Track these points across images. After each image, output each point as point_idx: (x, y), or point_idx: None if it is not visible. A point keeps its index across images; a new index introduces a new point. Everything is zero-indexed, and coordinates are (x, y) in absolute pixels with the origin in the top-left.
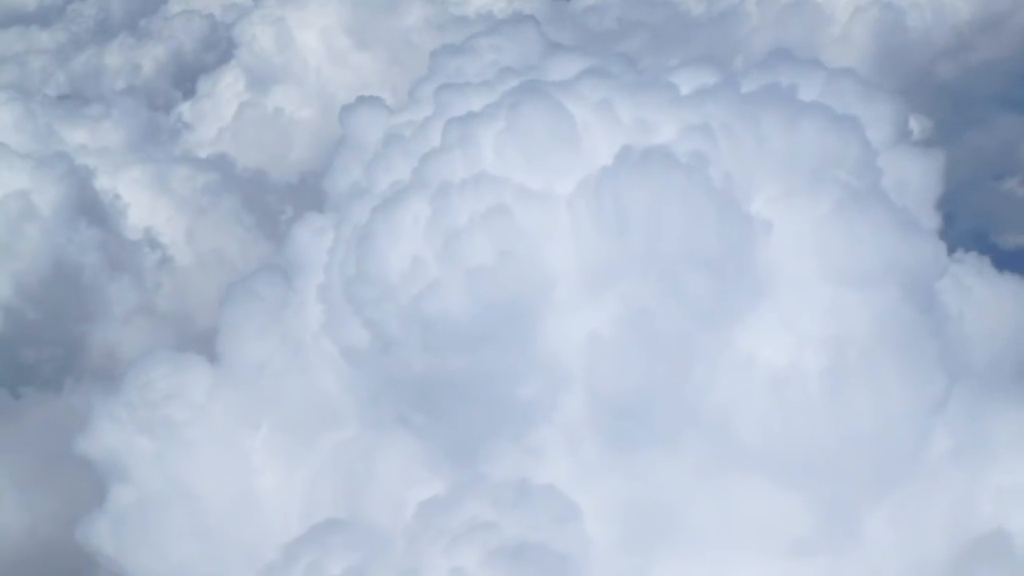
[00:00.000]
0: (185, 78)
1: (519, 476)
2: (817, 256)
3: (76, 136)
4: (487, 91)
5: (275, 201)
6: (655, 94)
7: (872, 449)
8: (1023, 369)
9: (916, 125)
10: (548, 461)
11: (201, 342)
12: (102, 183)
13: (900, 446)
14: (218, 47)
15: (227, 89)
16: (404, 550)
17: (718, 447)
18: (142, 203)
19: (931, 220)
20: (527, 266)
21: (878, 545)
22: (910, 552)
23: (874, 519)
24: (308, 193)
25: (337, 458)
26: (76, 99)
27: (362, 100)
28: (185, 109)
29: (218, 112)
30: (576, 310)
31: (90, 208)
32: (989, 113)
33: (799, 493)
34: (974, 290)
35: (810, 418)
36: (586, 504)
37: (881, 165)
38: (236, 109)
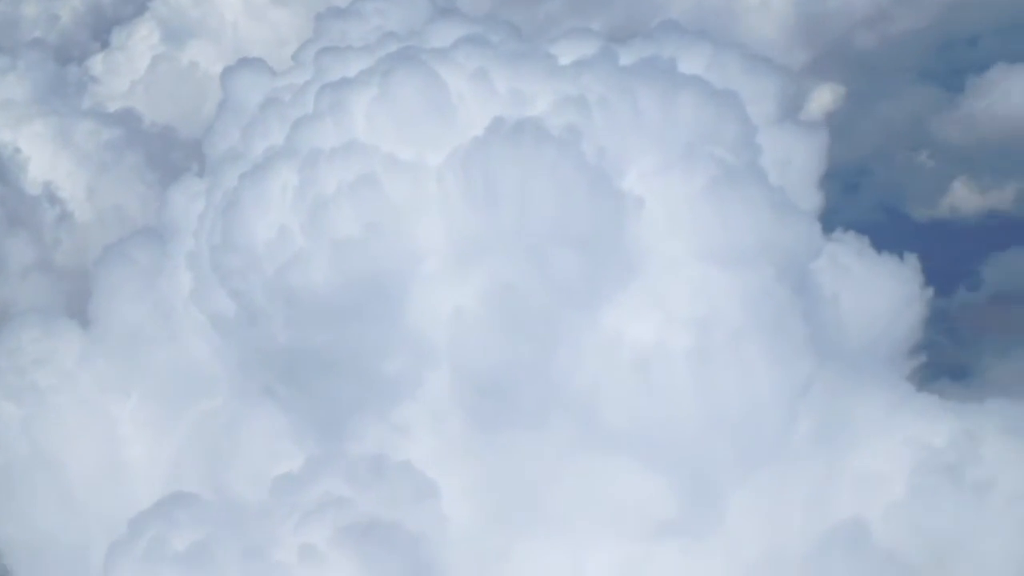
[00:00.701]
0: (103, 30)
1: (376, 452)
2: (688, 234)
3: None
4: (367, 56)
5: (181, 158)
6: (533, 64)
7: (737, 431)
8: (899, 351)
9: (831, 94)
10: (413, 438)
11: None
12: (2, 136)
13: (765, 429)
14: None
15: (141, 42)
16: (254, 525)
17: (583, 427)
18: (43, 158)
19: (813, 199)
20: (394, 239)
21: (740, 529)
22: (770, 538)
23: (737, 503)
24: None
25: (203, 429)
26: None
27: (244, 62)
28: (97, 61)
29: (132, 65)
30: (443, 285)
31: None
32: (906, 84)
33: (663, 475)
34: (851, 270)
35: (675, 399)
36: (448, 483)
37: (763, 142)
38: (149, 62)
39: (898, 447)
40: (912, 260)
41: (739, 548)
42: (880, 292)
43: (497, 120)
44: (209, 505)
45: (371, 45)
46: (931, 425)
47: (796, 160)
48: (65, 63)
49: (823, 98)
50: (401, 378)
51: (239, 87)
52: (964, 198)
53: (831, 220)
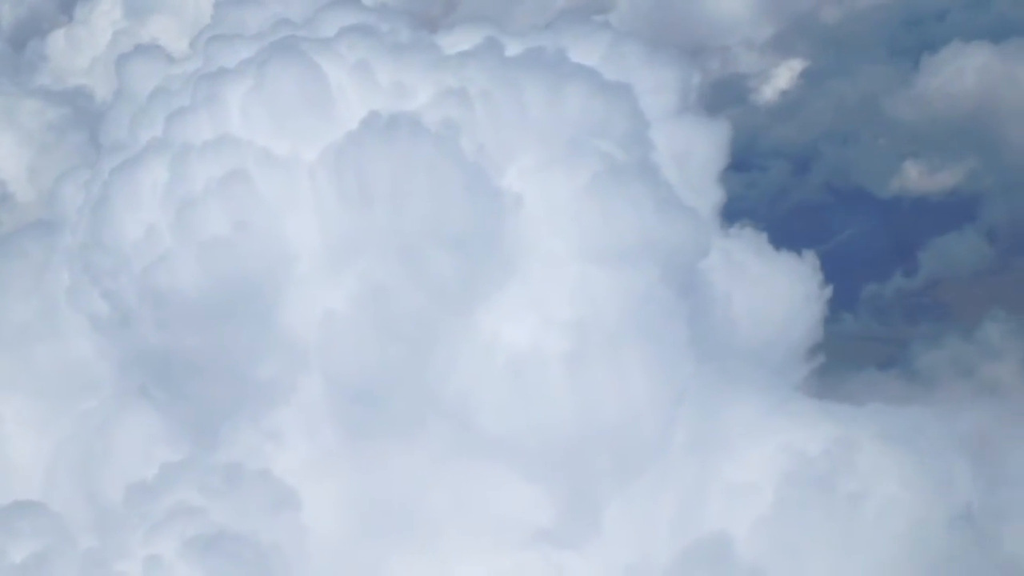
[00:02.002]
0: (70, 3)
1: (234, 460)
2: (569, 233)
3: None
4: (255, 45)
5: None
6: (417, 56)
7: (613, 438)
8: (796, 352)
9: (788, 72)
10: (284, 445)
11: None
12: None
13: (642, 436)
14: None
15: (103, 16)
16: (103, 535)
17: (457, 434)
18: None
19: (713, 194)
20: (264, 238)
21: (614, 539)
22: (641, 549)
23: (613, 512)
24: None
25: (82, 429)
26: None
27: (140, 49)
28: (59, 36)
29: (93, 40)
30: (315, 286)
31: None
32: (866, 60)
33: (539, 483)
34: (747, 268)
35: (551, 405)
36: (317, 493)
37: (660, 135)
38: (111, 38)
39: (771, 455)
40: (810, 257)
41: (614, 558)
42: (777, 291)
43: (373, 114)
44: (54, 515)
45: (263, 33)
46: (807, 432)
47: (696, 154)
48: (30, 37)
49: (781, 77)
50: (274, 383)
51: (134, 75)
52: (913, 179)
53: (778, 201)
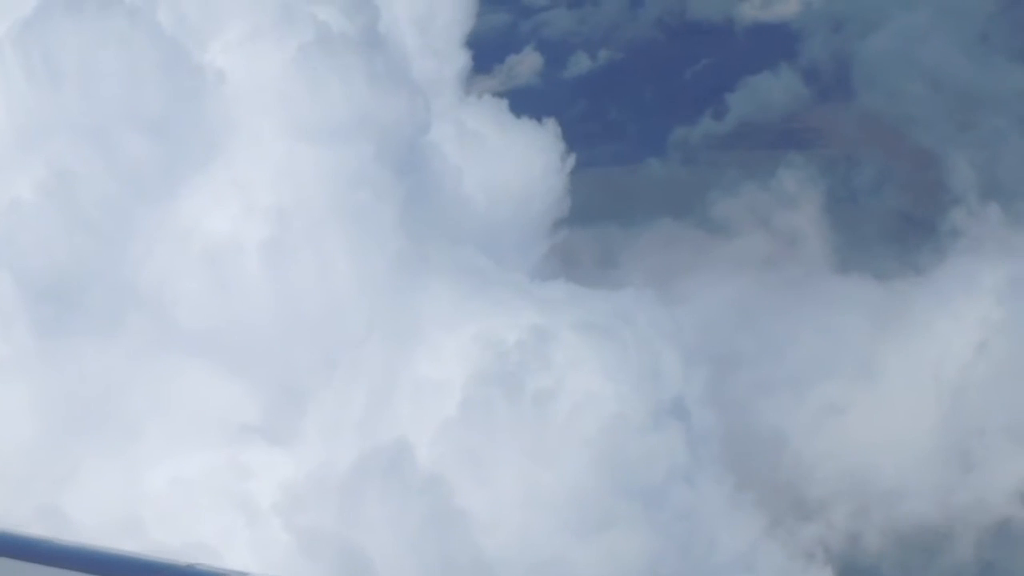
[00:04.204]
0: None
1: None
2: (275, 110)
3: None
4: None
5: None
6: None
7: (317, 330)
8: (538, 226)
9: None
10: None
11: None
12: None
13: (346, 327)
14: None
15: None
16: None
17: (155, 329)
18: None
19: (458, 60)
20: None
21: (308, 438)
22: (328, 450)
23: (318, 408)
24: None
25: None
26: None
27: None
28: None
29: None
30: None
31: None
32: None
33: (242, 378)
34: (484, 139)
35: (251, 296)
36: (7, 395)
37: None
38: None
39: (465, 347)
40: (551, 124)
41: (303, 459)
42: (515, 162)
43: None
44: None
45: None
46: (505, 320)
47: (439, 18)
48: None
49: None
50: None
51: None
52: (747, 11)
53: (606, 38)
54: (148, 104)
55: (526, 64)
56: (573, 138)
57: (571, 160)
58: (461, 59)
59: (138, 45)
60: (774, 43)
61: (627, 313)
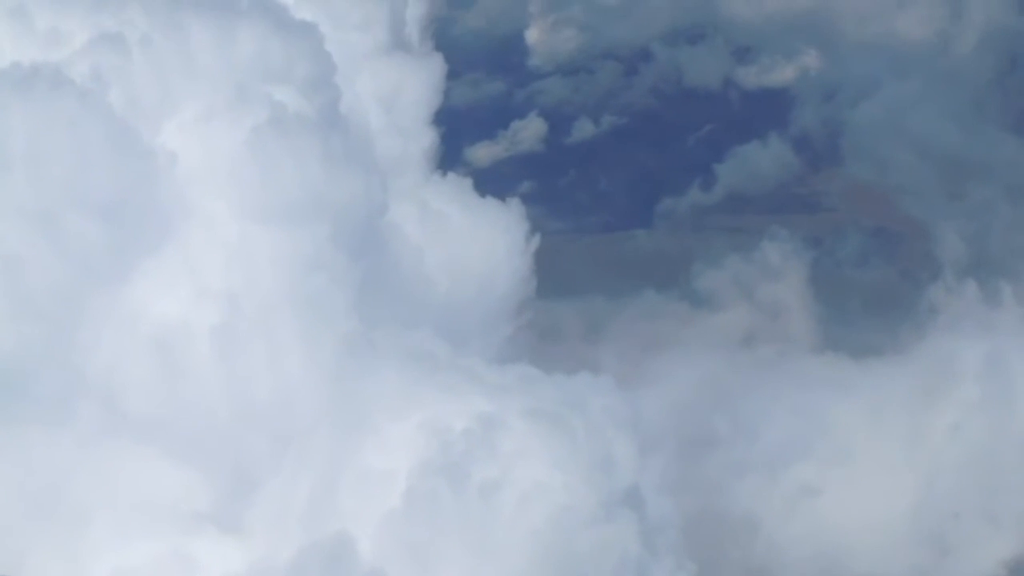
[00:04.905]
0: None
1: None
2: (229, 192)
3: None
4: None
5: None
6: None
7: (267, 417)
8: (503, 306)
9: None
10: None
11: None
12: None
13: (296, 415)
14: None
15: None
16: None
17: (106, 416)
18: None
19: (425, 136)
20: None
21: (256, 528)
22: (273, 541)
23: (268, 495)
24: None
25: None
26: None
27: None
28: None
29: None
30: None
31: None
32: None
33: (192, 465)
34: (449, 219)
35: (201, 382)
36: None
37: (366, 76)
38: None
39: (412, 435)
40: (515, 204)
41: (249, 550)
42: (480, 242)
43: (13, 65)
44: None
45: None
46: (454, 407)
47: (405, 95)
48: None
49: None
50: None
51: None
52: (741, 80)
53: (602, 105)
54: (98, 187)
55: (529, 130)
56: (561, 206)
57: (535, 240)
58: (428, 137)
59: (88, 127)
60: (766, 111)
61: (582, 399)
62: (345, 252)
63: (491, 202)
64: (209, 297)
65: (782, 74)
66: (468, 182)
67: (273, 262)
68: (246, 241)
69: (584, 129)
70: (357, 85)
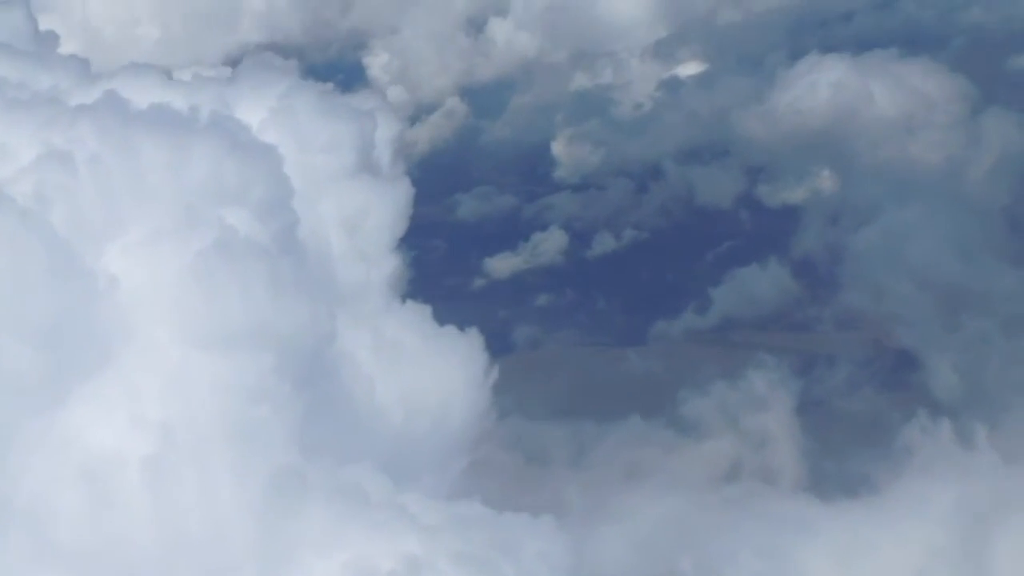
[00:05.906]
0: None
1: None
2: (170, 318)
3: None
4: None
5: None
6: (31, 112)
7: (198, 553)
8: (461, 436)
9: (647, 82)
10: None
11: None
12: None
13: (227, 550)
14: None
15: None
16: None
17: (33, 546)
18: None
19: (388, 261)
20: None
21: None
22: None
23: None
24: None
25: None
26: None
27: None
28: None
29: None
30: None
31: None
32: (737, 70)
33: None
34: (403, 348)
35: (131, 515)
36: None
37: (331, 198)
38: None
39: (335, 575)
40: (473, 333)
41: None
42: (436, 369)
43: None
44: None
45: None
46: (384, 547)
47: (371, 219)
48: None
49: (640, 90)
50: None
51: None
52: (752, 200)
53: (617, 219)
54: (35, 309)
55: (550, 242)
56: (554, 324)
57: (495, 370)
58: (390, 263)
59: (27, 247)
60: (772, 233)
61: (518, 543)
62: (289, 382)
63: (450, 331)
64: (144, 426)
65: (793, 194)
66: (427, 309)
67: (213, 391)
68: (186, 369)
69: (605, 243)
70: (320, 208)
